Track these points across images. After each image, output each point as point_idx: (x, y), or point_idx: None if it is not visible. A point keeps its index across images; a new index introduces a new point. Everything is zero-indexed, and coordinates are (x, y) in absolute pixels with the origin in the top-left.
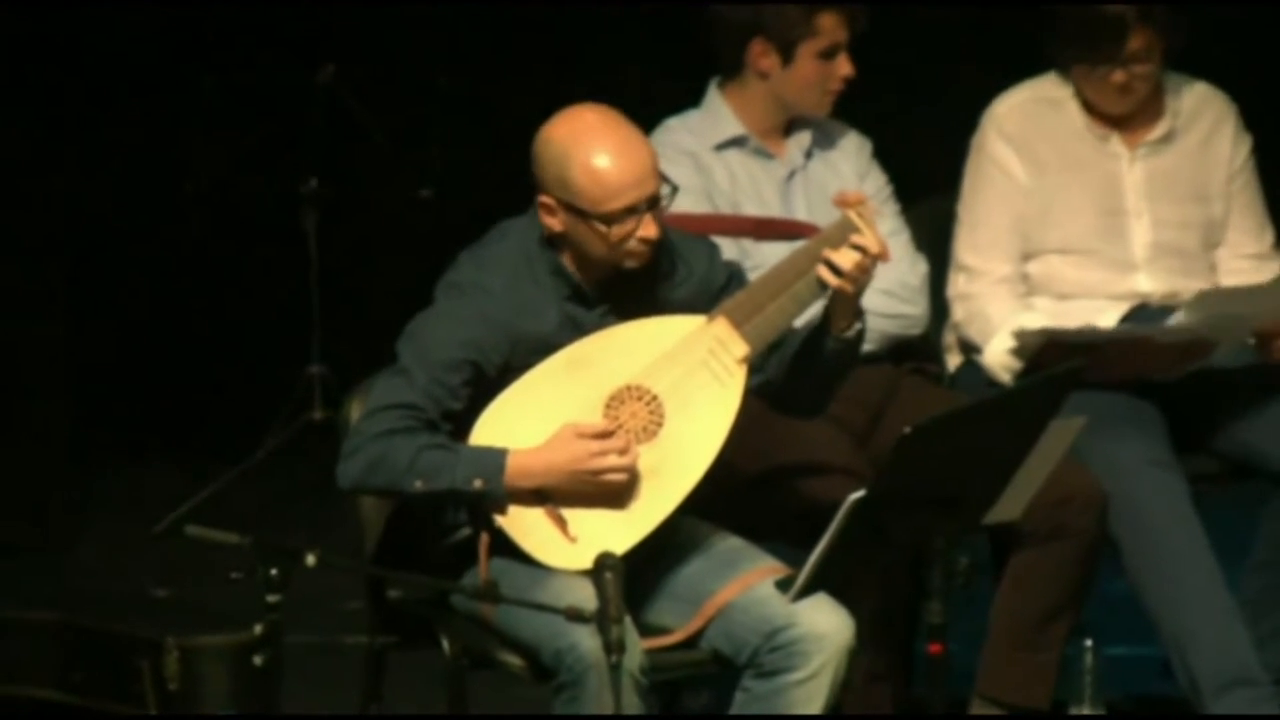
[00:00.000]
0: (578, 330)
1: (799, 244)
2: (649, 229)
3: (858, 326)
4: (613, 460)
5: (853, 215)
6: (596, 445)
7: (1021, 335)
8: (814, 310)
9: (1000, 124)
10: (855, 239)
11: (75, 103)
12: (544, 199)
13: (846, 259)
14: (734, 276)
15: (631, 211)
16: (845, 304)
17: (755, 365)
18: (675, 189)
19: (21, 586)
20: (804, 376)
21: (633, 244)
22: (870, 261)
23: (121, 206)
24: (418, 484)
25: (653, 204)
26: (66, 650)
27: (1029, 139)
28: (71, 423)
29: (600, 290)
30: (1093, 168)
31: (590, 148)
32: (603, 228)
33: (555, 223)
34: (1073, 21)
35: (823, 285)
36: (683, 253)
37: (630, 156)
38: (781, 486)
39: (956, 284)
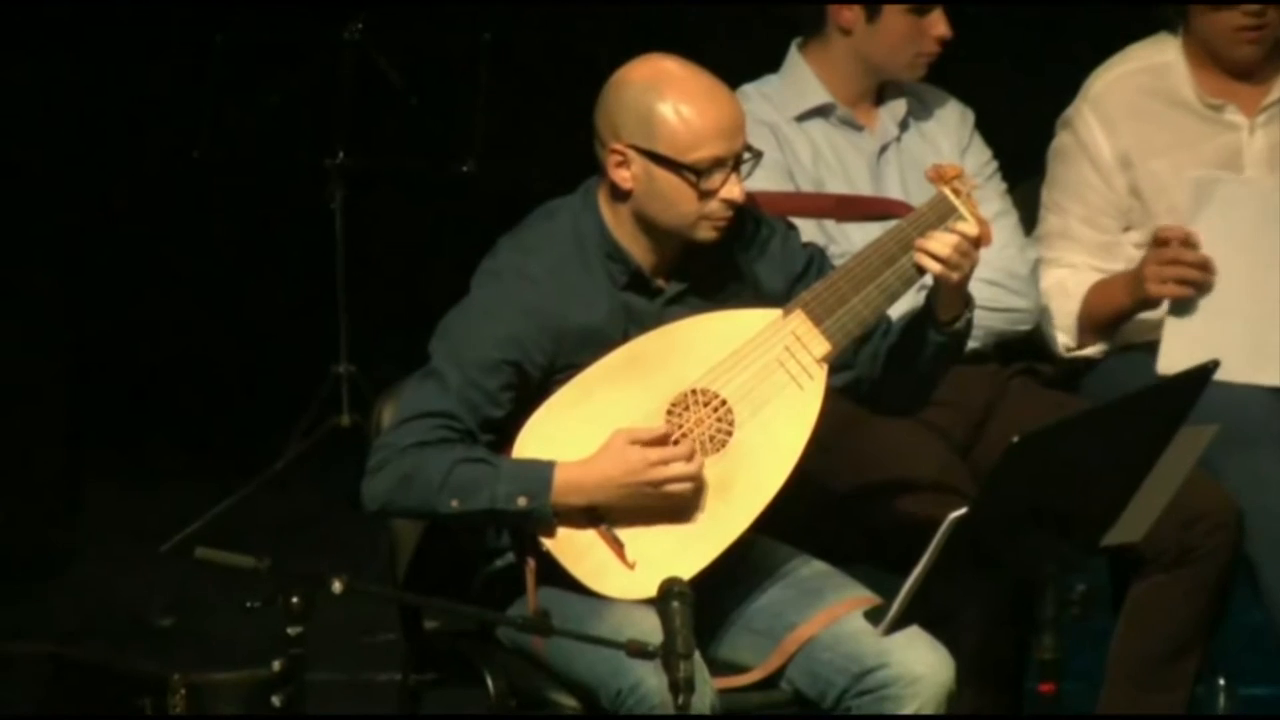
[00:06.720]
0: (632, 322)
1: (888, 226)
2: (734, 189)
3: (966, 316)
4: (675, 469)
5: (947, 191)
6: (655, 453)
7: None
8: (909, 299)
9: (1097, 104)
10: (951, 220)
11: (71, 63)
12: (617, 148)
13: (943, 243)
14: (814, 260)
15: (720, 164)
16: (950, 292)
17: (842, 360)
18: (759, 155)
19: (8, 615)
20: (901, 372)
21: (715, 205)
22: (970, 244)
23: (124, 184)
24: (453, 503)
25: (738, 163)
26: (58, 687)
27: (1132, 120)
28: (68, 427)
29: (667, 273)
30: (1207, 141)
31: (681, 90)
32: (691, 177)
33: (627, 177)
34: None
35: (918, 272)
36: (763, 222)
37: (724, 104)
38: (872, 504)
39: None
